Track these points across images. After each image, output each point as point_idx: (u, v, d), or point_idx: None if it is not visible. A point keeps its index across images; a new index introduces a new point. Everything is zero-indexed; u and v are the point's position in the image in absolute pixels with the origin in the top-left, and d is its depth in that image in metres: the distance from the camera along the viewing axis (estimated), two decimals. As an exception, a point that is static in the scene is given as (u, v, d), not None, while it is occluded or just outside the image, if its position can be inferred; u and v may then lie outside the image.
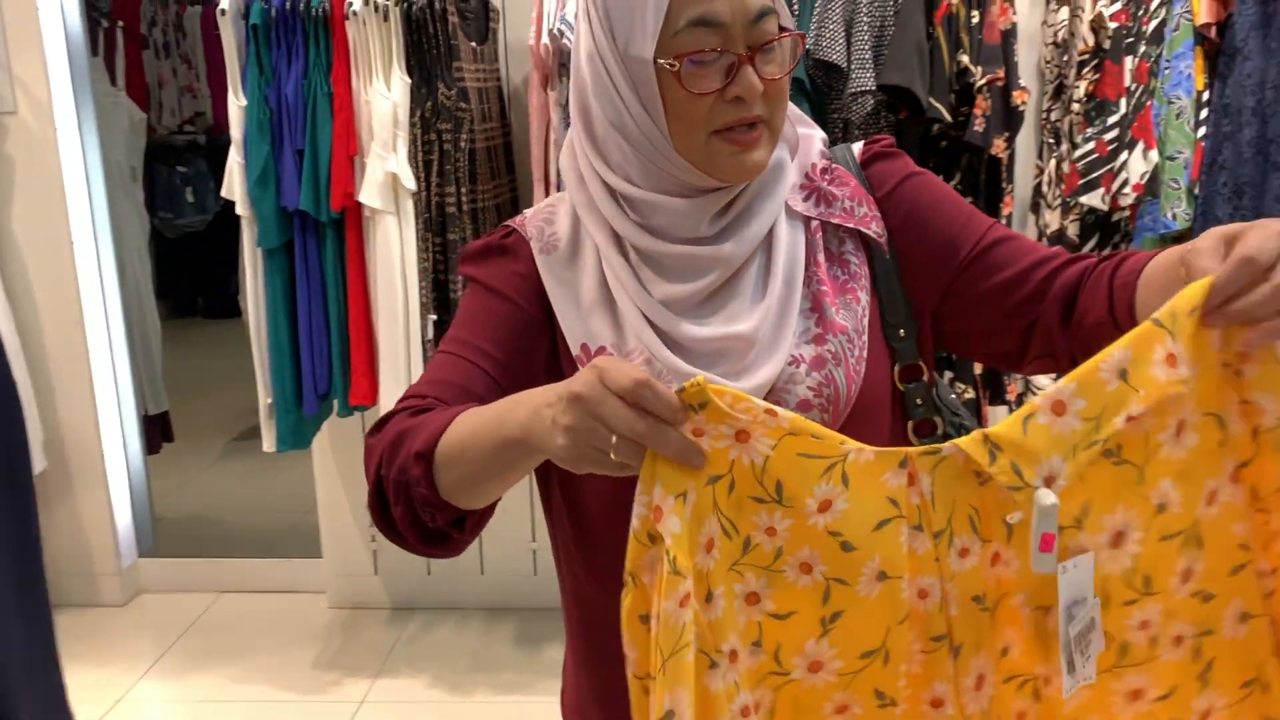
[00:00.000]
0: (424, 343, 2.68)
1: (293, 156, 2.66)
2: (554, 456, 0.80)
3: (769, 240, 1.02)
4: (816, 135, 1.08)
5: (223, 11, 2.61)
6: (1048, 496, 0.73)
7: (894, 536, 0.76)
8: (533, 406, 0.82)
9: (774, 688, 0.75)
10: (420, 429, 0.91)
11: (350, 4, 2.59)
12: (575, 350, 1.02)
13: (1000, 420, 0.76)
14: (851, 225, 1.03)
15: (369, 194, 2.61)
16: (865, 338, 1.01)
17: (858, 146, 1.10)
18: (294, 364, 2.77)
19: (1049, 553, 0.74)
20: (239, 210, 2.68)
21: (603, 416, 0.74)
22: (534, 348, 1.03)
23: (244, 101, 2.64)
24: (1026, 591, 0.77)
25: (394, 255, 2.64)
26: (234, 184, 2.67)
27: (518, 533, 3.33)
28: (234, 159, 2.67)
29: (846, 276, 1.03)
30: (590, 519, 1.05)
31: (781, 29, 0.96)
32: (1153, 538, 0.77)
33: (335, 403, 2.83)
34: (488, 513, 0.96)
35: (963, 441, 0.76)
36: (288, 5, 2.62)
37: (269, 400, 2.79)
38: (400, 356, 2.68)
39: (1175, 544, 0.78)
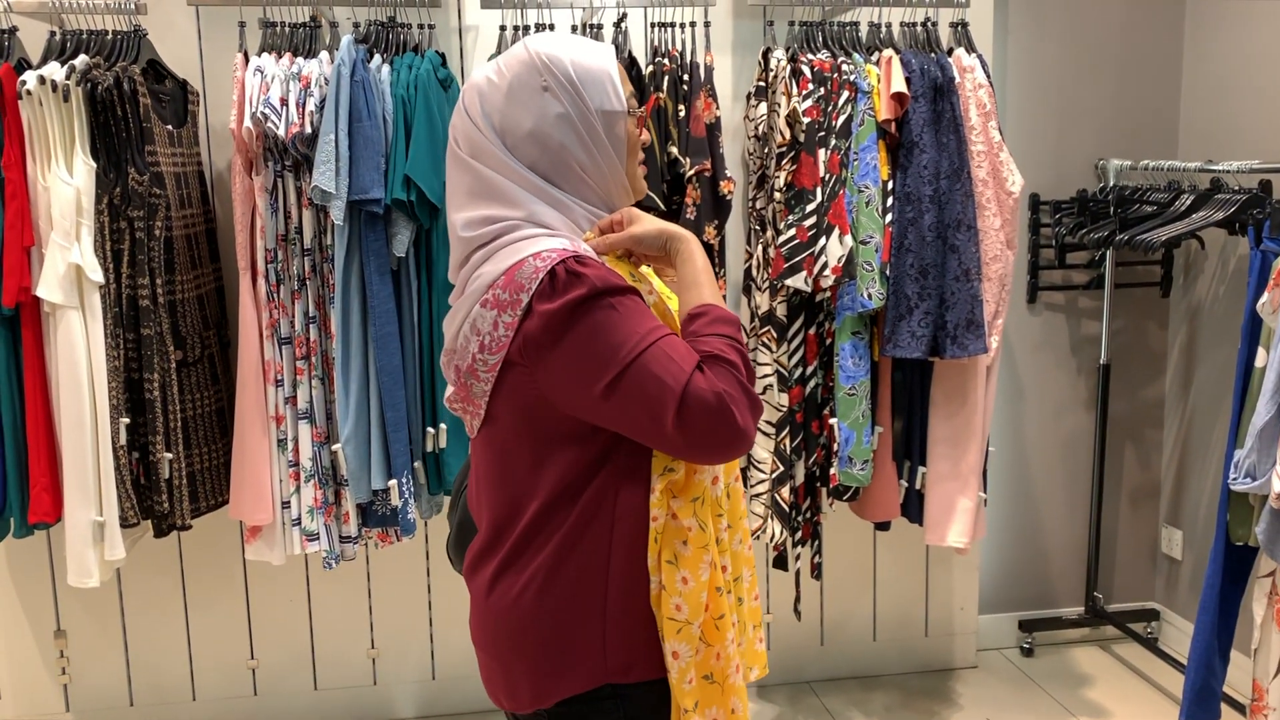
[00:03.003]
0: (115, 449, 2.43)
1: (-45, 248, 2.38)
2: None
3: None
4: None
5: None
6: None
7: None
8: (699, 253, 1.40)
9: None
10: (729, 327, 1.34)
11: (24, 82, 2.38)
12: None
13: None
14: None
15: (48, 288, 2.37)
16: None
17: None
18: (-41, 480, 2.45)
19: None
20: (-113, 308, 2.36)
21: None
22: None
23: (-107, 187, 2.35)
24: None
25: (79, 354, 2.40)
26: (-120, 279, 2.36)
27: (235, 652, 3.07)
28: (-120, 251, 2.36)
29: None
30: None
31: None
32: None
33: (12, 522, 2.52)
34: None
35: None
36: (-53, 82, 2.37)
37: (-73, 524, 2.45)
38: (88, 466, 2.42)
39: None
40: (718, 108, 2.71)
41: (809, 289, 2.65)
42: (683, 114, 2.67)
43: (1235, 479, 2.38)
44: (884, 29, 2.82)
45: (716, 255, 2.74)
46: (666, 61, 2.68)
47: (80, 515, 2.43)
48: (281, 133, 2.44)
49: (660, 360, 1.25)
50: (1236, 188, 2.94)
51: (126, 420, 2.45)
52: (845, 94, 2.67)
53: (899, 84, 2.63)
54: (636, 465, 1.34)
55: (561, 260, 1.29)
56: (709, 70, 2.71)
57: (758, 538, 2.79)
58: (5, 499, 2.48)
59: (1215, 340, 3.26)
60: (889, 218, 2.68)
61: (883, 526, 3.00)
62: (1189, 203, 2.98)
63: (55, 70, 2.40)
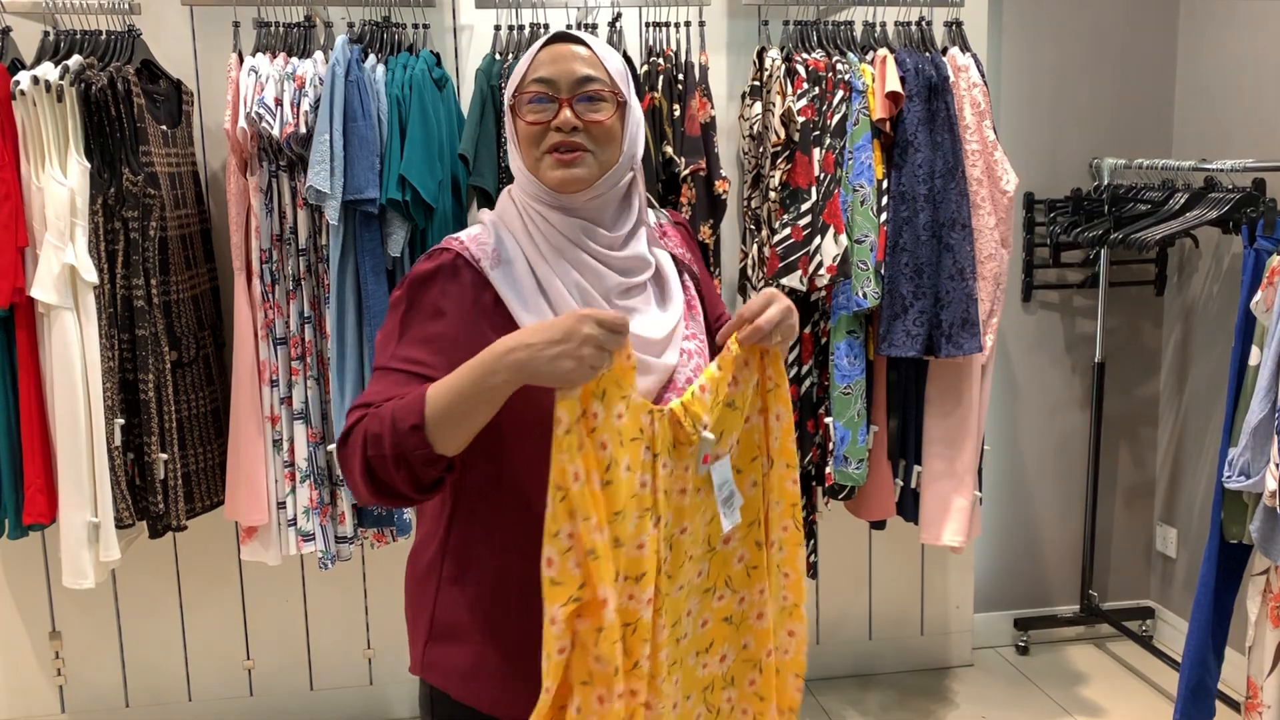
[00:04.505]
0: (110, 450, 2.43)
1: (-51, 248, 2.38)
2: (554, 379, 1.20)
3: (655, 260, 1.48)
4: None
5: None
6: (707, 434, 1.37)
7: (637, 448, 1.31)
8: (526, 352, 1.19)
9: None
10: (399, 413, 1.23)
11: (17, 82, 2.37)
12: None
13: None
14: (688, 260, 1.56)
15: (43, 289, 2.37)
16: (704, 338, 1.51)
17: (665, 213, 1.61)
18: (-47, 481, 2.45)
19: (706, 464, 1.39)
20: (-119, 309, 2.36)
21: (602, 345, 1.21)
22: (466, 356, 1.27)
23: (-114, 187, 2.34)
24: (697, 485, 1.40)
25: (73, 355, 2.39)
26: (-126, 280, 2.35)
27: (231, 653, 3.07)
28: (-126, 252, 2.35)
29: (689, 296, 1.52)
30: (516, 464, 1.37)
31: (602, 90, 1.37)
32: (743, 443, 1.47)
33: (6, 523, 2.52)
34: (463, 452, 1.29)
35: (673, 405, 1.35)
36: (-60, 82, 2.36)
37: (-79, 525, 2.45)
38: (83, 467, 2.41)
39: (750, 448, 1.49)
40: (712, 107, 2.71)
41: (804, 288, 2.65)
42: (678, 113, 2.67)
43: (1230, 477, 2.39)
44: (879, 28, 2.83)
45: (712, 255, 2.74)
46: (661, 61, 2.69)
47: (75, 516, 2.43)
48: (276, 133, 2.44)
49: (374, 382, 1.32)
50: (1230, 186, 2.94)
51: (121, 421, 2.45)
52: (840, 93, 2.67)
53: (894, 83, 2.63)
54: (481, 496, 1.39)
55: (445, 244, 1.38)
56: (704, 69, 2.71)
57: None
58: (0, 500, 2.48)
59: (1209, 338, 3.26)
60: (884, 217, 2.68)
61: (878, 525, 3.00)
62: (1183, 201, 2.99)
63: (49, 70, 2.40)
